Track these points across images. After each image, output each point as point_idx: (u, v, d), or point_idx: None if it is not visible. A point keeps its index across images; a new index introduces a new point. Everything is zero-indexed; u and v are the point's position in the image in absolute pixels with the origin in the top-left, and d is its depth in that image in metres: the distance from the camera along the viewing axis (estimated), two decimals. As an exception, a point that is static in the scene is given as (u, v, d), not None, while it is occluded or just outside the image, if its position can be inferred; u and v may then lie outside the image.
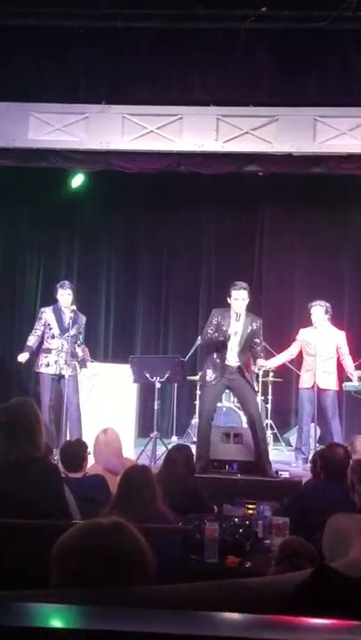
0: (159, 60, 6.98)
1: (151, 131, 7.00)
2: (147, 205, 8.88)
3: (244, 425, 7.22)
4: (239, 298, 5.94)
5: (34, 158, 7.22)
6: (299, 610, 1.21)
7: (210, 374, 6.01)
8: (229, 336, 5.87)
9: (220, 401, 7.49)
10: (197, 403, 7.73)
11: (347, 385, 6.84)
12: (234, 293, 5.96)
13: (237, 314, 5.94)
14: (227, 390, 7.68)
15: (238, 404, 7.43)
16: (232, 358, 5.95)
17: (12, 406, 2.87)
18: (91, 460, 4.50)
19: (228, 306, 6.03)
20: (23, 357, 6.53)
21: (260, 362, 6.18)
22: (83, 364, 6.72)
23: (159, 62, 6.99)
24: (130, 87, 7.04)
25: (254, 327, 6.02)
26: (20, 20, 6.77)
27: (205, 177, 7.43)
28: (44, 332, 6.58)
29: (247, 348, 6.01)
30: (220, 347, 5.94)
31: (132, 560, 1.42)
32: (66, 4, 6.68)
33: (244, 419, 7.39)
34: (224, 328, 5.90)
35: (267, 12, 6.61)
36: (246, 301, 5.98)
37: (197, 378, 7.69)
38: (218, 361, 5.96)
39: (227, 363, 5.94)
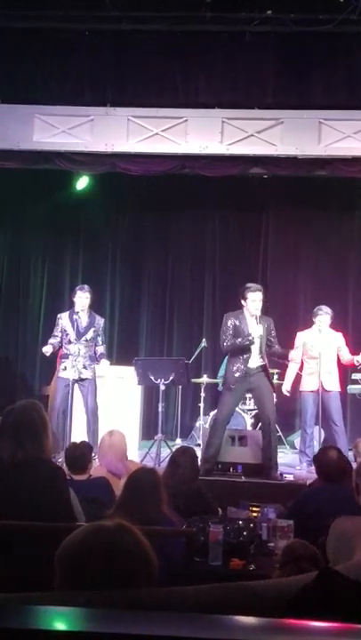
0: (164, 62, 7.00)
1: (156, 133, 7.01)
2: (151, 208, 8.89)
3: (249, 427, 7.22)
4: (256, 299, 5.89)
5: (39, 160, 7.24)
6: (303, 613, 1.21)
7: (232, 379, 5.93)
8: (253, 339, 5.81)
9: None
10: (201, 405, 7.74)
11: (351, 387, 6.84)
12: (251, 295, 5.89)
13: (255, 316, 5.88)
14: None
15: (243, 407, 7.44)
16: (254, 360, 5.92)
17: (19, 408, 2.89)
18: (96, 462, 4.51)
19: (240, 309, 5.99)
20: (47, 349, 6.53)
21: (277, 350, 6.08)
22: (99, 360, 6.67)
23: (164, 65, 7.00)
24: (135, 89, 7.06)
25: (269, 326, 6.02)
26: (25, 23, 6.79)
27: (210, 180, 7.43)
28: (62, 338, 6.60)
29: (265, 348, 5.98)
30: (243, 351, 5.88)
31: (136, 562, 1.42)
32: (71, 7, 6.70)
33: (250, 421, 7.39)
34: (245, 332, 5.84)
35: (272, 14, 6.61)
36: (262, 303, 5.94)
37: (202, 380, 7.71)
38: (241, 366, 5.88)
39: (250, 366, 5.89)
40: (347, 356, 6.69)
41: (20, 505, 2.54)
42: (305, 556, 2.46)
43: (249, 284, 6.04)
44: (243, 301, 5.97)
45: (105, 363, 6.58)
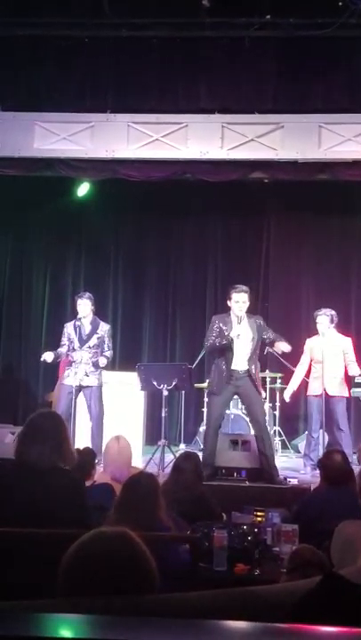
0: (164, 68, 7.02)
1: (157, 139, 7.03)
2: (153, 214, 8.90)
3: (252, 432, 7.21)
4: (240, 300, 5.88)
5: (40, 167, 7.26)
6: (308, 617, 1.21)
7: (217, 381, 5.95)
8: (232, 339, 5.81)
9: (229, 408, 7.47)
10: (205, 410, 7.73)
11: (355, 391, 6.82)
12: (234, 296, 5.90)
13: (238, 317, 5.87)
14: (235, 397, 7.68)
15: (246, 412, 7.42)
16: (239, 363, 5.88)
17: (40, 416, 2.91)
18: (100, 469, 4.50)
19: (229, 310, 6.00)
20: (47, 356, 6.53)
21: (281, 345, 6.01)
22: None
23: (164, 70, 7.02)
24: (135, 96, 7.07)
25: (261, 324, 5.99)
26: (25, 30, 6.82)
27: (211, 185, 7.44)
28: (68, 346, 6.60)
29: (256, 352, 5.94)
30: (226, 352, 5.87)
31: (135, 569, 1.41)
32: (71, 14, 6.73)
33: (252, 425, 7.38)
34: (226, 332, 5.85)
35: (271, 19, 6.63)
36: (247, 304, 5.91)
37: (205, 385, 7.70)
38: (224, 367, 5.88)
39: (233, 367, 5.87)
40: (350, 367, 6.67)
41: (38, 512, 2.55)
42: (313, 562, 2.44)
43: (235, 285, 6.02)
44: (228, 302, 5.97)
45: (102, 360, 6.56)
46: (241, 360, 5.88)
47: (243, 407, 7.22)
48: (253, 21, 6.67)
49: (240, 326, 5.86)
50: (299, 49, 6.80)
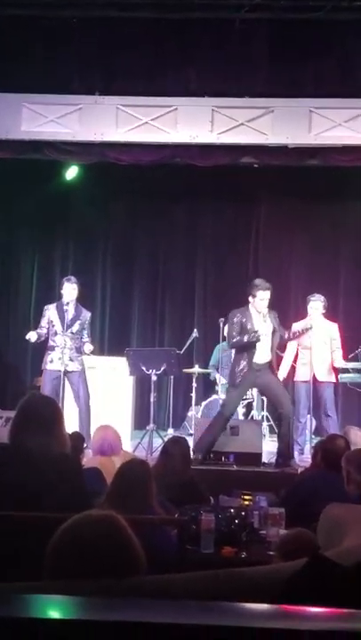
0: (153, 50, 6.94)
1: (146, 122, 6.96)
2: (142, 199, 8.85)
3: (241, 417, 7.25)
4: (265, 298, 5.89)
5: (27, 150, 7.18)
6: (293, 598, 1.22)
7: (238, 375, 5.92)
8: (259, 337, 5.79)
9: (218, 394, 7.51)
10: (193, 395, 7.76)
11: (342, 376, 6.86)
12: (260, 294, 5.88)
13: (263, 314, 5.88)
14: (226, 385, 7.69)
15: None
16: (262, 357, 5.91)
17: (34, 401, 2.88)
18: (88, 453, 4.51)
19: (245, 304, 5.98)
20: (32, 335, 6.49)
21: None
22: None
23: (153, 53, 6.95)
24: (124, 78, 6.99)
25: (277, 318, 6.05)
26: (12, 10, 6.71)
27: (202, 170, 7.40)
28: (48, 330, 6.57)
29: (276, 344, 5.99)
30: (249, 347, 5.86)
31: (121, 552, 1.42)
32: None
33: (242, 411, 7.42)
34: (249, 327, 5.83)
35: (262, 1, 6.57)
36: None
37: (194, 370, 7.73)
38: (246, 362, 5.87)
39: (255, 361, 5.88)
40: (335, 353, 6.70)
41: (37, 497, 2.53)
42: (309, 547, 2.45)
43: (258, 282, 6.01)
44: (251, 298, 5.95)
45: (88, 347, 6.53)
46: (263, 354, 5.91)
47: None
48: (244, 3, 6.59)
49: (265, 324, 5.88)
50: (290, 32, 6.74)
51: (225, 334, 7.88)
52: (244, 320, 5.88)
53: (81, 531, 1.44)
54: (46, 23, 6.82)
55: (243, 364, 5.89)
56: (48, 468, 2.61)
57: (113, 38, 6.90)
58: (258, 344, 5.84)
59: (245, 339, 5.82)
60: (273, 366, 6.01)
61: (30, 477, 2.59)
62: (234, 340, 5.93)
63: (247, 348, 5.88)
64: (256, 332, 5.79)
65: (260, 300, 5.89)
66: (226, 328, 6.39)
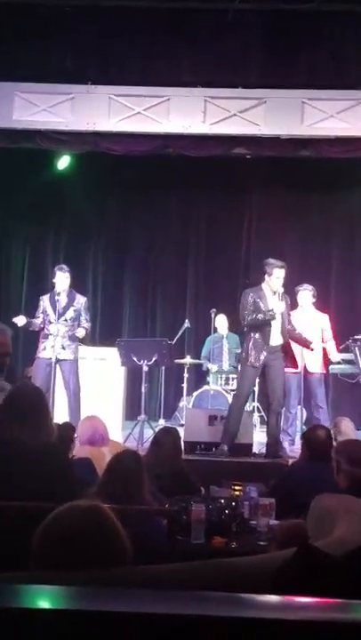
0: (147, 40, 6.90)
1: (138, 112, 6.93)
2: (135, 189, 8.82)
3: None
4: (281, 276, 5.84)
5: (19, 139, 7.13)
6: (283, 588, 1.23)
7: (253, 356, 5.84)
8: (274, 315, 5.75)
9: (208, 384, 7.51)
10: (185, 386, 7.77)
11: (333, 367, 6.89)
12: (276, 271, 5.83)
13: (278, 293, 5.85)
14: (219, 375, 7.67)
15: (226, 387, 7.46)
16: (276, 338, 5.86)
17: (20, 391, 2.87)
18: (78, 443, 4.50)
19: (258, 284, 5.96)
20: (19, 319, 6.43)
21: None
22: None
23: (147, 43, 6.90)
24: (117, 67, 6.96)
25: (289, 302, 6.04)
26: (4, -2, 6.64)
27: (195, 160, 7.38)
28: (43, 319, 6.55)
29: (286, 325, 5.95)
30: (265, 327, 5.81)
31: (106, 543, 1.43)
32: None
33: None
34: (263, 307, 5.79)
35: (255, -9, 6.53)
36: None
37: (185, 361, 7.72)
38: (260, 341, 5.81)
39: (271, 343, 5.83)
40: (328, 346, 6.71)
41: (24, 487, 2.53)
42: (306, 538, 2.45)
43: (273, 260, 5.95)
44: (266, 276, 5.90)
45: (81, 331, 6.52)
46: (277, 335, 5.87)
47: (222, 383, 7.26)
48: (238, -7, 6.56)
49: (281, 302, 5.85)
50: (283, 23, 6.71)
51: (216, 325, 7.91)
52: (258, 299, 5.84)
53: (66, 521, 1.45)
54: (39, 12, 6.75)
55: (258, 344, 5.82)
56: (34, 457, 2.61)
57: (106, 28, 6.84)
58: (273, 324, 5.79)
59: (260, 317, 5.79)
60: (287, 350, 5.94)
61: (16, 467, 2.59)
62: (249, 318, 5.85)
63: (262, 329, 5.82)
64: (271, 310, 5.76)
65: (277, 277, 5.84)
66: (239, 308, 6.16)
